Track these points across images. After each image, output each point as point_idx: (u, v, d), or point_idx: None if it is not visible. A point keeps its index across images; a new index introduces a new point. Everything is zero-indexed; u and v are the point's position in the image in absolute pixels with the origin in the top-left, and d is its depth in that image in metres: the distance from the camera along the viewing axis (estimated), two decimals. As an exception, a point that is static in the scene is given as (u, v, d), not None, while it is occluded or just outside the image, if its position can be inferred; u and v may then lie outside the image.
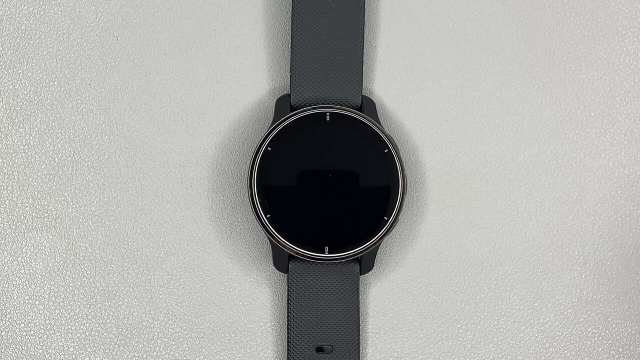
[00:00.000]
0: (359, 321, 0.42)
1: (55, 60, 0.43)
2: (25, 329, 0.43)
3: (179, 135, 0.43)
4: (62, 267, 0.43)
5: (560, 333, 0.43)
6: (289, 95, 0.41)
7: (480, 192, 0.43)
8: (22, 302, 0.43)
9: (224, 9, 0.43)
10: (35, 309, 0.43)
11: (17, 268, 0.43)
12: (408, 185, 0.42)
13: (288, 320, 0.41)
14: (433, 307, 0.43)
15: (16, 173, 0.43)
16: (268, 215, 0.40)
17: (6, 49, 0.43)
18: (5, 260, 0.43)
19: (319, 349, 0.41)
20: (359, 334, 0.42)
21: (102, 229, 0.43)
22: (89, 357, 0.43)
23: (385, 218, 0.40)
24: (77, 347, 0.43)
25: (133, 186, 0.43)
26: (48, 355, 0.43)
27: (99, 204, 0.43)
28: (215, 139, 0.43)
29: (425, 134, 0.43)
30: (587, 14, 0.43)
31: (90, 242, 0.43)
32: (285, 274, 0.42)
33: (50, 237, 0.43)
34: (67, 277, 0.43)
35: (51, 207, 0.43)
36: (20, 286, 0.43)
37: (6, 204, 0.43)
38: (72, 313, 0.43)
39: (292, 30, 0.41)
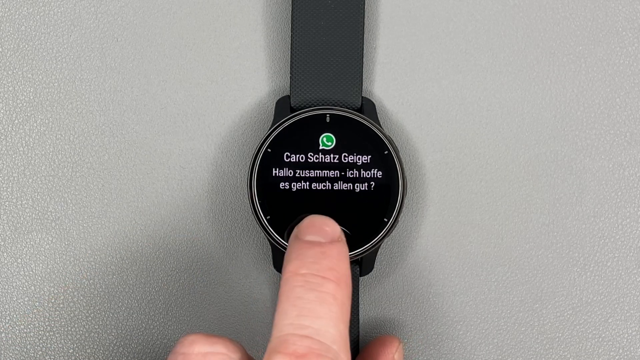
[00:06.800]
0: (359, 322, 0.42)
1: (55, 61, 0.43)
2: (25, 330, 0.43)
3: (179, 136, 0.43)
4: (62, 268, 0.43)
5: (560, 334, 0.43)
6: (288, 96, 0.41)
7: (480, 194, 0.43)
8: (22, 303, 0.43)
9: (223, 10, 0.43)
10: (35, 311, 0.43)
11: (17, 269, 0.43)
12: (408, 186, 0.42)
13: (288, 321, 0.41)
14: (433, 309, 0.43)
15: (16, 174, 0.43)
16: (268, 217, 0.40)
17: (6, 50, 0.43)
18: (5, 261, 0.43)
19: (319, 350, 0.41)
20: (359, 335, 0.42)
21: (101, 230, 0.43)
22: (89, 358, 0.43)
23: (385, 220, 0.40)
24: (76, 349, 0.43)
25: (133, 187, 0.43)
26: (48, 357, 0.43)
27: (98, 206, 0.43)
28: (215, 141, 0.43)
29: (426, 135, 0.43)
30: (587, 15, 0.43)
31: (90, 244, 0.43)
32: (285, 276, 0.42)
33: (50, 238, 0.43)
34: (66, 279, 0.43)
35: (51, 208, 0.43)
36: (20, 288, 0.43)
37: (6, 205, 0.43)
38: (71, 314, 0.43)
39: (292, 31, 0.41)
